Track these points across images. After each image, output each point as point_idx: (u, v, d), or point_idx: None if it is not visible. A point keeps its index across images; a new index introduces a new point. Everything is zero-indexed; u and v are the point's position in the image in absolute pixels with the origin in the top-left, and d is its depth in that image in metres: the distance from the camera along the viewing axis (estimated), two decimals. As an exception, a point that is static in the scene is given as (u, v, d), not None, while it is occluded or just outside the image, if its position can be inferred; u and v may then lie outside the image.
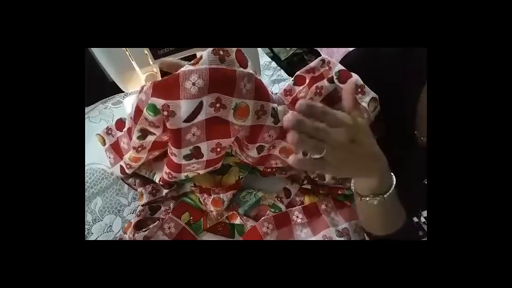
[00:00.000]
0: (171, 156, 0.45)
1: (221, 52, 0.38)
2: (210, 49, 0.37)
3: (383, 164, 0.39)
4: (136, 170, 0.56)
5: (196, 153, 0.43)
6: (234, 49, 0.39)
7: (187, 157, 0.43)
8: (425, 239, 0.45)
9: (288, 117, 0.32)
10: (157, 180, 0.55)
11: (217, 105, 0.39)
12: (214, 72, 0.37)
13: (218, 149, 0.44)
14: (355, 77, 0.51)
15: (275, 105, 0.45)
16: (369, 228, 0.52)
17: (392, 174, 0.42)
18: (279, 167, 0.57)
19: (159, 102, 0.38)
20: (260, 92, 0.42)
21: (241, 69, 0.39)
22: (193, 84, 0.37)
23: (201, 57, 0.37)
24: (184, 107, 0.38)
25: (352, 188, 0.45)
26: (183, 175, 0.49)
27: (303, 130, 0.32)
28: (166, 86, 0.38)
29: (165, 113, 0.38)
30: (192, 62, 0.38)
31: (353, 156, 0.35)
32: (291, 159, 0.34)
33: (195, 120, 0.39)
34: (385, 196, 0.40)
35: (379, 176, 0.39)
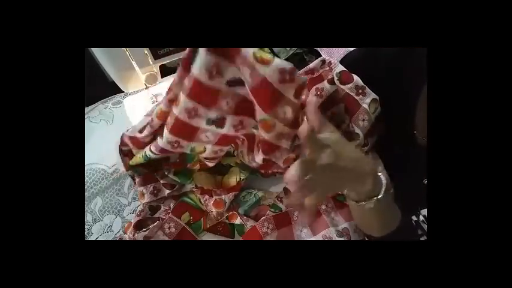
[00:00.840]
0: (188, 120, 0.42)
1: (287, 76, 0.36)
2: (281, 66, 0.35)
3: (370, 166, 0.40)
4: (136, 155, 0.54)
5: (219, 122, 0.42)
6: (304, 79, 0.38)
7: (209, 122, 0.42)
8: (424, 237, 0.45)
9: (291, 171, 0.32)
10: (151, 155, 0.51)
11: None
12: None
13: (239, 127, 0.43)
14: (355, 78, 0.51)
15: None
16: (366, 231, 0.52)
17: (381, 175, 0.42)
18: (279, 172, 0.57)
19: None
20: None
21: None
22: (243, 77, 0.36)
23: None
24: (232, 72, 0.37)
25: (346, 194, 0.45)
26: (190, 146, 0.46)
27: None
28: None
29: (214, 69, 0.37)
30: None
31: (341, 170, 0.36)
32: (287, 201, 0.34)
33: (235, 88, 0.38)
34: (379, 197, 0.40)
35: (370, 179, 0.39)
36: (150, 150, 0.49)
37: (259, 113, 0.38)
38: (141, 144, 0.53)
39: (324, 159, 0.34)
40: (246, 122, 0.42)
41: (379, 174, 0.41)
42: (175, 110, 0.42)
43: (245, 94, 0.39)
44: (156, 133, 0.49)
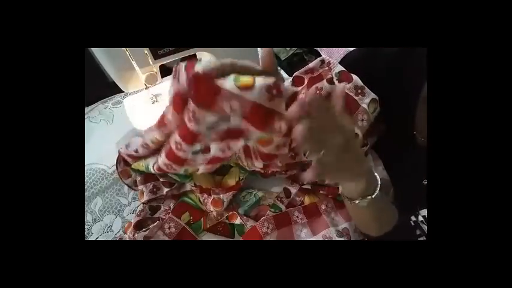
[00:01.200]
0: (176, 151, 0.43)
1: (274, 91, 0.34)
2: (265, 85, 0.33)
3: (368, 167, 0.41)
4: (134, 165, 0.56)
5: (204, 150, 0.43)
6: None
7: (195, 153, 0.43)
8: (423, 237, 0.45)
9: (297, 108, 0.31)
10: (152, 170, 0.52)
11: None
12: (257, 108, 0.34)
13: (227, 149, 0.43)
14: (354, 78, 0.51)
15: None
16: (364, 230, 0.53)
17: (376, 174, 0.42)
18: (279, 171, 0.57)
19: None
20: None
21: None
22: (232, 109, 0.35)
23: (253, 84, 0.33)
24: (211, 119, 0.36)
25: (340, 192, 0.46)
26: (183, 169, 0.48)
27: (311, 124, 0.31)
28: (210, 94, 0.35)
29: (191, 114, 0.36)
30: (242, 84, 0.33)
31: (344, 161, 0.35)
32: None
33: (217, 127, 0.38)
34: (373, 196, 0.41)
35: (366, 179, 0.40)
36: (152, 166, 0.51)
37: (255, 133, 0.38)
38: (140, 158, 0.54)
39: (337, 139, 0.33)
40: (233, 144, 0.42)
41: (376, 175, 0.42)
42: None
43: (231, 126, 0.38)
44: (154, 152, 0.51)
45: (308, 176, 0.34)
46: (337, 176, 0.39)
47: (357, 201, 0.42)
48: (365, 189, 0.41)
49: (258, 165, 0.49)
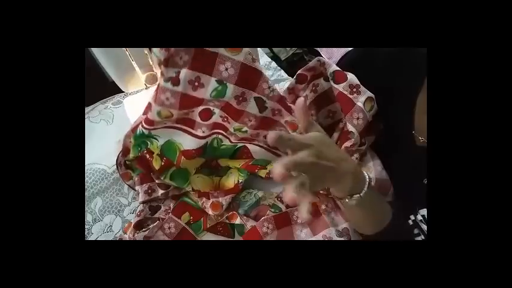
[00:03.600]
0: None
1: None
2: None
3: (352, 166, 0.40)
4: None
5: (175, 78, 0.45)
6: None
7: (167, 80, 0.45)
8: (422, 237, 0.45)
9: (276, 169, 0.32)
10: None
11: None
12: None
13: (196, 83, 0.45)
14: (349, 76, 0.52)
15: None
16: (359, 229, 0.53)
17: (365, 172, 0.42)
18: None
19: None
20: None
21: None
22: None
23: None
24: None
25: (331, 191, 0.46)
26: (156, 109, 0.49)
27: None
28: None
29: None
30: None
31: (323, 169, 0.36)
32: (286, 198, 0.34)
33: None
34: (361, 195, 0.41)
35: (352, 178, 0.40)
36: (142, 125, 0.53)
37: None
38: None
39: (306, 158, 0.35)
40: (202, 75, 0.46)
41: (365, 173, 0.42)
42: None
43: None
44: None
45: (287, 198, 0.33)
46: (318, 186, 0.41)
47: (347, 200, 0.42)
48: (352, 188, 0.41)
49: (253, 110, 0.50)
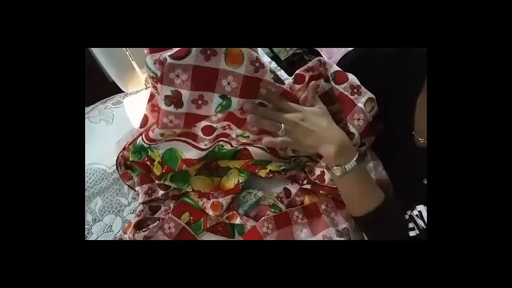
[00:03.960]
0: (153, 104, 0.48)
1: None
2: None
3: (338, 136, 0.47)
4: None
5: (176, 99, 0.43)
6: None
7: (166, 100, 0.43)
8: (416, 231, 0.46)
9: (247, 105, 0.43)
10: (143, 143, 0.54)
11: (208, 52, 0.41)
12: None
13: (199, 102, 0.44)
14: (350, 77, 0.51)
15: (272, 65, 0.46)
16: (348, 209, 0.55)
17: (356, 150, 0.48)
18: (280, 170, 0.57)
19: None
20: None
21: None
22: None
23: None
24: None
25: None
26: (158, 132, 0.48)
27: (259, 114, 0.46)
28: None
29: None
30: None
31: (306, 130, 0.46)
32: (263, 141, 0.47)
33: (181, 61, 0.40)
34: (345, 166, 0.45)
35: (336, 146, 0.45)
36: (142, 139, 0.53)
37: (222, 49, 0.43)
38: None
39: (288, 116, 0.46)
40: (205, 93, 0.44)
41: (355, 149, 0.48)
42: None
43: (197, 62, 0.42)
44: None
45: (266, 141, 0.47)
46: (304, 144, 0.47)
47: (333, 169, 0.47)
48: (337, 157, 0.45)
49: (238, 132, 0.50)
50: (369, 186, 0.49)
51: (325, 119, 0.48)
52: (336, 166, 0.46)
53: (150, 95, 0.50)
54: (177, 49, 0.41)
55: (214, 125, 0.50)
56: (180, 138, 0.53)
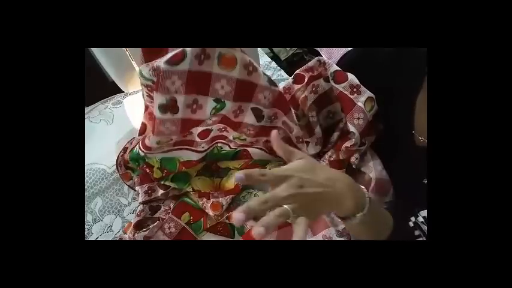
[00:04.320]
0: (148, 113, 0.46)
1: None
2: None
3: (348, 183, 0.38)
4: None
5: (171, 106, 0.42)
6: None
7: (161, 108, 0.42)
8: (423, 238, 0.45)
9: (236, 215, 0.32)
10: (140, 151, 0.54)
11: (202, 56, 0.40)
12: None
13: (194, 106, 0.44)
14: (350, 76, 0.52)
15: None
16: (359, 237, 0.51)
17: (364, 189, 0.40)
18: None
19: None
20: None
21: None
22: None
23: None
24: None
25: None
26: (154, 140, 0.48)
27: (257, 215, 0.33)
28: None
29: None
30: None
31: (312, 196, 0.34)
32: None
33: (177, 68, 0.39)
34: (364, 212, 0.38)
35: (351, 197, 0.38)
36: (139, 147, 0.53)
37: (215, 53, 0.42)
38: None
39: (281, 192, 0.33)
40: (199, 97, 0.44)
41: (362, 187, 0.40)
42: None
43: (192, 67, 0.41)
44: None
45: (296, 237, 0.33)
46: (312, 215, 0.37)
47: (350, 220, 0.39)
48: (354, 206, 0.38)
49: (251, 120, 0.49)
50: (382, 219, 0.45)
51: (320, 170, 0.37)
52: (352, 216, 0.39)
53: (145, 105, 0.50)
54: (172, 53, 0.40)
55: (210, 127, 0.50)
56: (176, 147, 0.53)
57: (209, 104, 0.44)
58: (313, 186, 0.35)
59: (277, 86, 0.47)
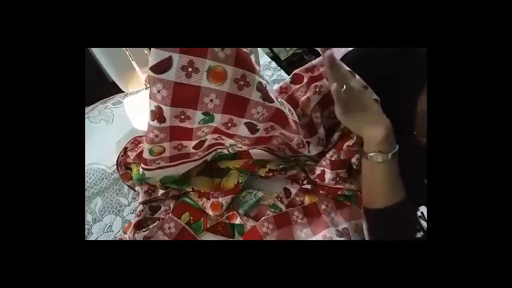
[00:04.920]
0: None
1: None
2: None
3: (388, 122, 0.45)
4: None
5: (158, 114, 0.42)
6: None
7: (150, 115, 0.42)
8: (421, 233, 0.45)
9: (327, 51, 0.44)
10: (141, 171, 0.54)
11: (189, 69, 0.38)
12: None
13: (182, 117, 0.43)
14: (357, 78, 0.51)
15: (263, 81, 0.43)
16: (369, 200, 0.51)
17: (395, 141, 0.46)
18: (280, 169, 0.57)
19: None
20: (242, 61, 0.41)
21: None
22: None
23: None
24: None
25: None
26: (147, 148, 0.47)
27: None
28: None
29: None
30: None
31: (360, 102, 0.46)
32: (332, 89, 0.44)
33: (163, 76, 0.38)
34: (388, 155, 0.44)
35: (383, 132, 0.44)
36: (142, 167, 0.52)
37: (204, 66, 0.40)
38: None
39: (355, 83, 0.46)
40: (187, 110, 0.43)
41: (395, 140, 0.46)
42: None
43: (178, 79, 0.40)
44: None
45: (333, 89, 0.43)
46: (355, 116, 0.46)
47: (372, 154, 0.45)
48: (383, 142, 0.44)
49: (244, 133, 0.48)
50: (398, 180, 0.48)
51: (375, 104, 0.48)
52: (377, 152, 0.45)
53: None
54: (158, 60, 0.38)
55: (204, 138, 0.49)
56: (173, 163, 0.52)
57: (197, 116, 0.43)
58: (366, 99, 0.47)
59: (273, 101, 0.45)
